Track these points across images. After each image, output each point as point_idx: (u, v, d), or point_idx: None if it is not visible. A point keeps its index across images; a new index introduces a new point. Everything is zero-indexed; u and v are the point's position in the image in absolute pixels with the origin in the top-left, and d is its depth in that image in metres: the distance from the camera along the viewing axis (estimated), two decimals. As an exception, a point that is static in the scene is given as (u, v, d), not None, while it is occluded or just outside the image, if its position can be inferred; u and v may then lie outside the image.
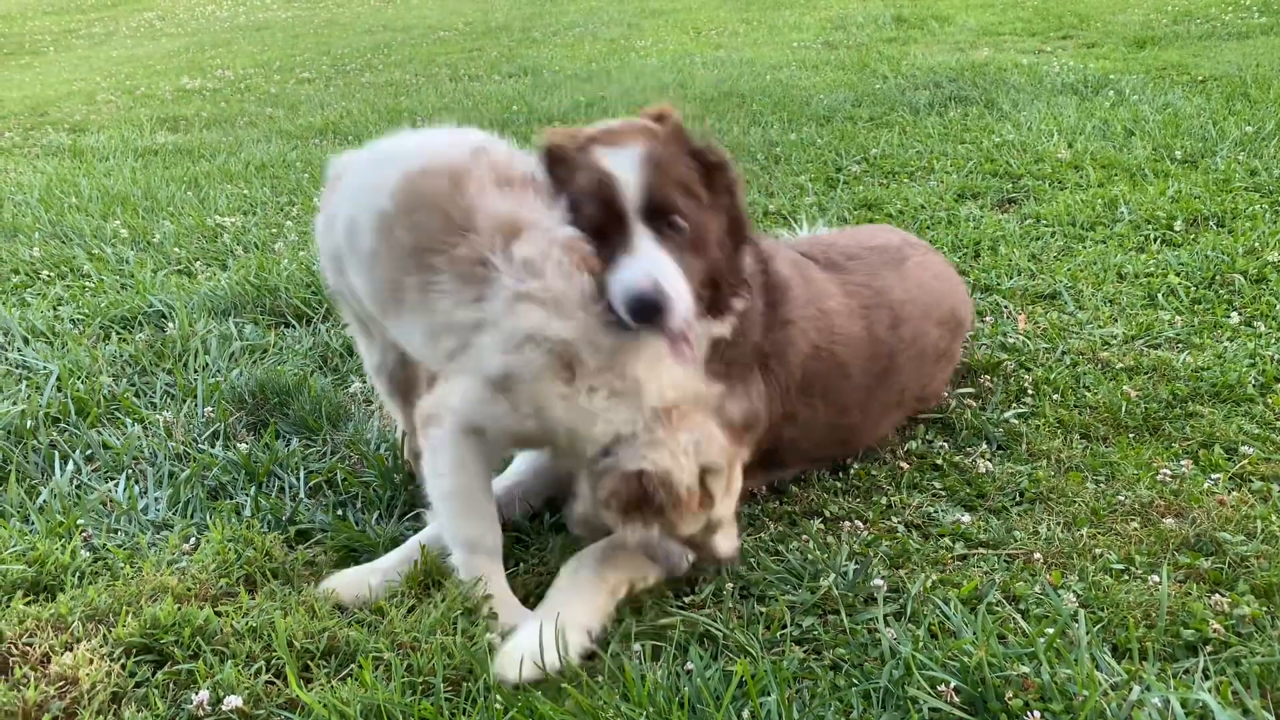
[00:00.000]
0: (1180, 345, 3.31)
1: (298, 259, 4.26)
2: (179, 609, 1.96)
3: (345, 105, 8.39)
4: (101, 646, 1.89)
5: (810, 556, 2.27)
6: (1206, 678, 1.88)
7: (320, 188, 5.53)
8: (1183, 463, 2.64)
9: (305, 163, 6.29)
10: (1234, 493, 2.50)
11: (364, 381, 3.31)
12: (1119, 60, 8.00)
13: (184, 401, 3.10)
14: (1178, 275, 3.80)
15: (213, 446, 2.84)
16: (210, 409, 3.01)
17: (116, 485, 2.64)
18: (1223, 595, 2.10)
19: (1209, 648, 1.95)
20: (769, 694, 1.80)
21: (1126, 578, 2.19)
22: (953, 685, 1.82)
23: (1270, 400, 2.91)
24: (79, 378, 3.23)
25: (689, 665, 1.91)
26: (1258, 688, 1.84)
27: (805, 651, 2.00)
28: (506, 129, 7.06)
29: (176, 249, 4.59)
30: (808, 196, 4.94)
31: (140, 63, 12.53)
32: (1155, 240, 4.19)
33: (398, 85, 9.41)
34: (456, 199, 2.03)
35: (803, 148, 5.83)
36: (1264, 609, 2.05)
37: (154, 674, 1.86)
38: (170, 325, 3.62)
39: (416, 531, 2.45)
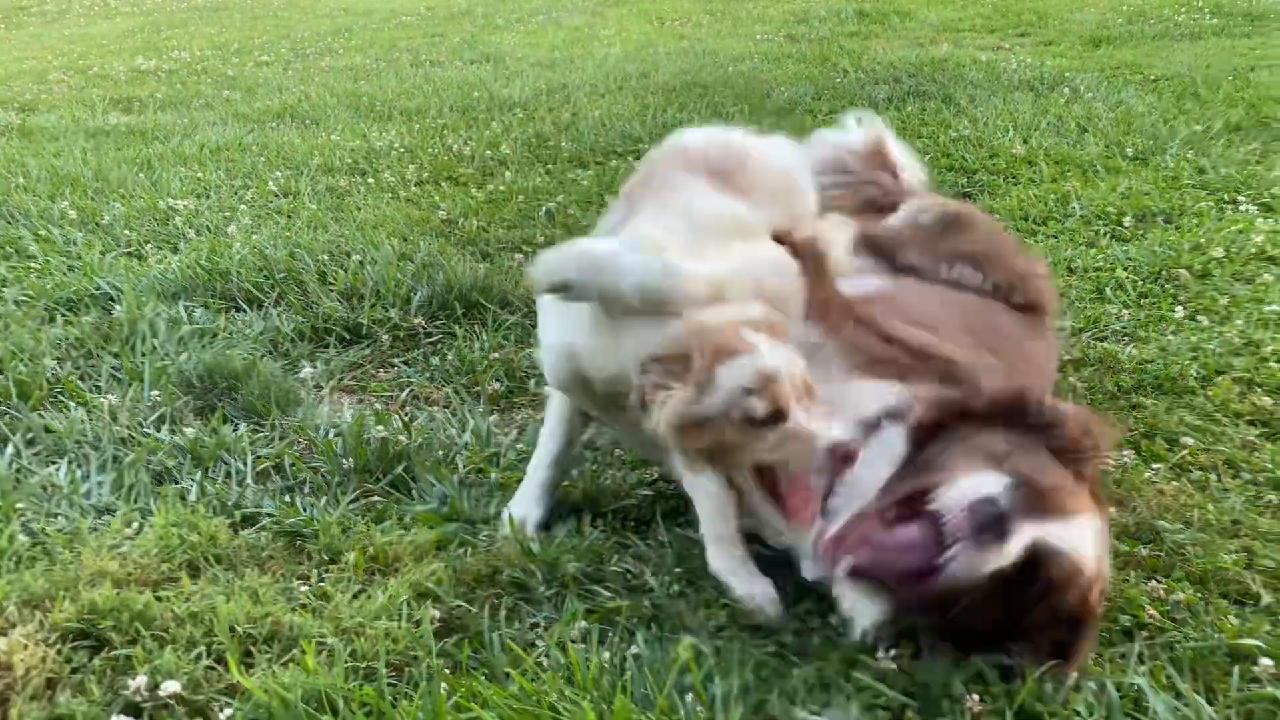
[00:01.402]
0: (1126, 338, 3.37)
1: (250, 242, 4.20)
2: (118, 594, 1.94)
3: (304, 89, 8.28)
4: (37, 632, 1.86)
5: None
6: (1141, 662, 1.91)
7: (275, 170, 5.50)
8: (1125, 453, 2.68)
9: (261, 146, 6.21)
10: (1174, 482, 2.55)
11: (315, 366, 3.28)
12: (1075, 58, 8.10)
13: (130, 385, 3.05)
14: (1126, 270, 3.86)
15: (158, 431, 2.79)
16: (157, 393, 2.96)
17: (58, 469, 2.60)
18: (1159, 582, 2.15)
19: (1145, 633, 1.99)
20: (713, 678, 1.81)
21: (1067, 565, 2.23)
22: (895, 668, 1.84)
23: (1211, 393, 2.97)
24: (21, 360, 3.16)
25: (634, 649, 1.91)
26: (1190, 672, 1.88)
27: (752, 636, 2.02)
28: (467, 115, 7.04)
29: (126, 231, 4.51)
30: (766, 187, 4.95)
31: (94, 42, 12.28)
32: (1105, 235, 4.25)
33: (358, 70, 9.30)
34: None
35: (763, 139, 5.85)
36: (1198, 595, 2.10)
37: (91, 660, 1.83)
38: (118, 308, 3.55)
39: (364, 516, 2.43)
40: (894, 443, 2.00)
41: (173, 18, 14.72)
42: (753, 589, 2.09)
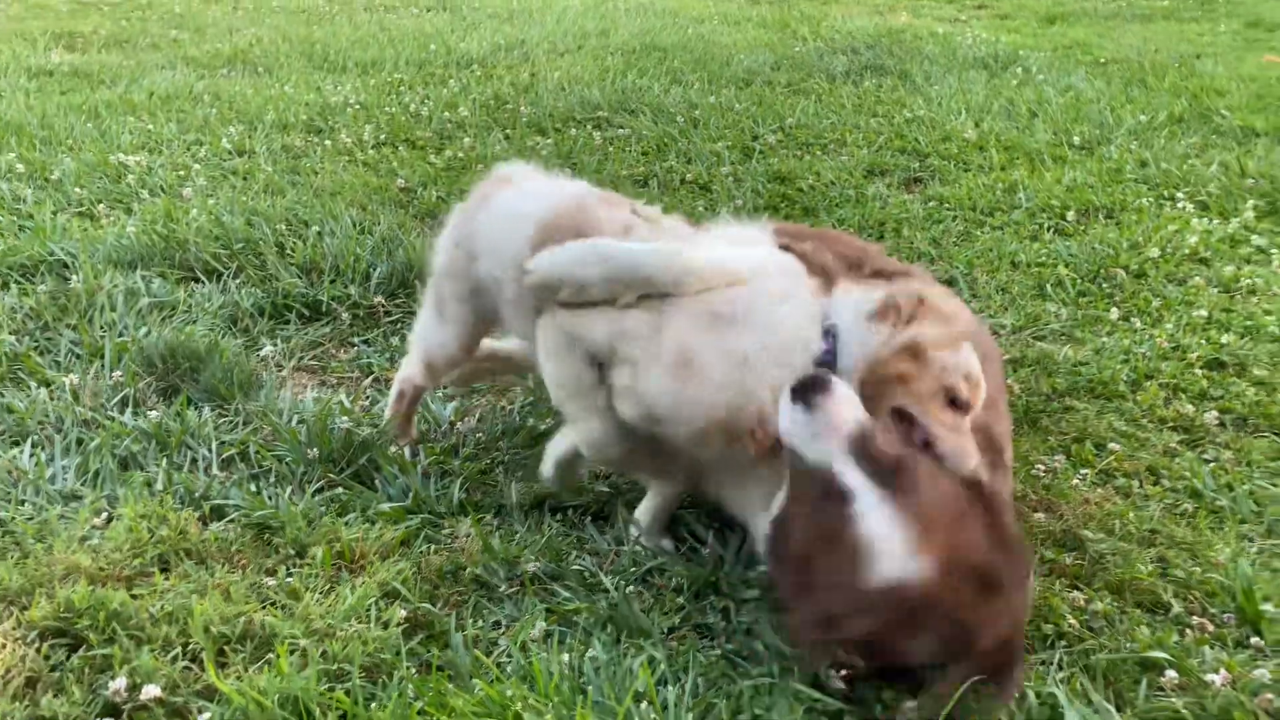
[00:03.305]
0: (1063, 338, 3.52)
1: (207, 207, 4.18)
2: (93, 591, 1.99)
3: (255, 32, 8.11)
4: (15, 629, 1.91)
5: (708, 547, 2.40)
6: (1061, 670, 2.07)
7: (229, 126, 5.42)
8: (1056, 457, 2.83)
9: (213, 96, 6.11)
10: (1099, 489, 2.71)
11: (275, 345, 3.31)
12: (1029, 35, 8.23)
13: (90, 362, 3.06)
14: (1067, 266, 4.01)
15: (122, 413, 2.82)
16: (119, 373, 2.98)
17: (22, 452, 2.62)
18: (1080, 591, 2.30)
19: (1064, 642, 2.14)
20: (666, 683, 1.94)
21: (997, 571, 2.38)
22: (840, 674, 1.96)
23: (1140, 398, 3.13)
24: (-22, 332, 3.15)
25: (592, 653, 2.02)
26: (1103, 680, 2.04)
27: (702, 639, 2.14)
28: (424, 70, 6.97)
29: (77, 189, 4.44)
30: (724, 166, 5.02)
31: (31, -34, 11.80)
32: (1049, 229, 4.40)
33: (310, 12, 9.12)
34: (581, 216, 2.35)
35: (721, 112, 5.90)
36: (1115, 605, 2.26)
37: (68, 659, 1.89)
38: (74, 277, 3.53)
39: (329, 507, 2.50)
40: None
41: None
42: (659, 542, 2.42)
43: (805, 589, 1.92)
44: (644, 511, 2.47)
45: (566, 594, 2.24)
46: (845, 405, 1.96)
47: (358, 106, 5.98)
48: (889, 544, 1.82)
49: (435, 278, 2.65)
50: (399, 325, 3.50)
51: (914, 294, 2.16)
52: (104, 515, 2.35)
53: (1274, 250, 4.10)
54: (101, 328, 3.26)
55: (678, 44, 7.66)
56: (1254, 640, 2.14)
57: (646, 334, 2.15)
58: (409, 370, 2.75)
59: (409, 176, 4.76)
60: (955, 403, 2.09)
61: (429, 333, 2.68)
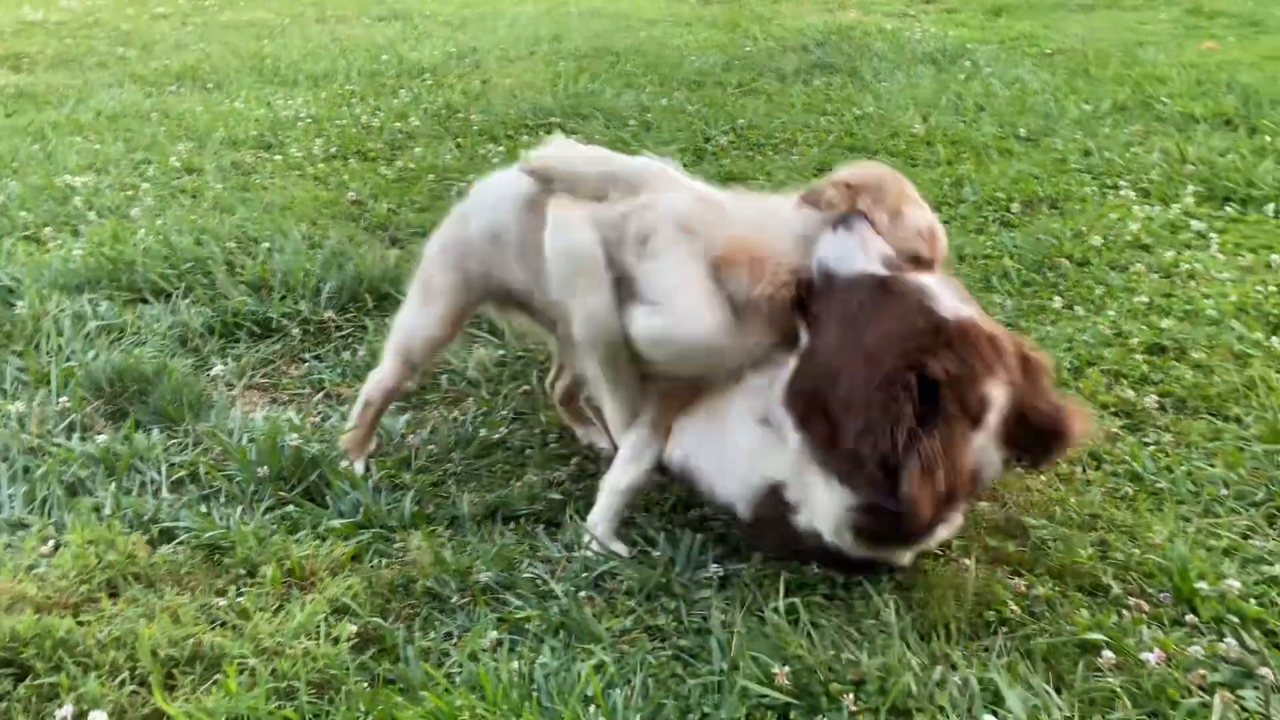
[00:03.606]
0: (1008, 328, 3.57)
1: (155, 228, 4.16)
2: (39, 619, 1.99)
3: (204, 47, 8.06)
4: (-41, 662, 1.91)
5: (659, 549, 2.42)
6: (1002, 656, 2.11)
7: (177, 144, 5.40)
8: (1000, 446, 2.88)
9: (161, 114, 6.07)
10: (1041, 476, 2.75)
11: (226, 363, 3.31)
12: (977, 28, 8.33)
13: (37, 389, 3.04)
14: (1012, 258, 4.07)
15: (69, 439, 2.81)
16: (66, 398, 2.96)
17: (-33, 482, 2.60)
18: (1022, 577, 2.35)
19: (1006, 628, 2.19)
20: (615, 686, 1.96)
21: (942, 559, 2.43)
22: (786, 670, 1.99)
23: (1082, 384, 3.19)
24: (-78, 362, 3.12)
25: (542, 659, 2.04)
26: (1043, 663, 2.09)
27: (652, 640, 2.16)
28: (374, 81, 6.95)
29: (23, 213, 4.41)
30: (675, 169, 5.05)
31: (-26, -14, 11.65)
32: (994, 222, 4.47)
33: (260, 26, 9.07)
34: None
35: (673, 115, 5.94)
36: (1057, 590, 2.31)
37: (15, 688, 1.89)
38: (19, 303, 3.50)
39: (280, 525, 2.50)
40: None
41: (60, -41, 14.00)
42: (612, 545, 2.42)
43: (863, 363, 2.10)
44: (597, 514, 2.48)
45: (518, 602, 2.26)
46: (874, 236, 2.30)
47: (308, 120, 5.96)
48: (944, 294, 2.16)
49: (424, 261, 2.79)
50: (349, 340, 3.51)
51: (838, 181, 2.40)
52: (51, 543, 2.34)
53: (1212, 235, 4.19)
54: (48, 353, 3.24)
55: (630, 47, 7.69)
56: (1189, 618, 2.19)
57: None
58: (380, 375, 2.81)
59: (359, 189, 4.76)
60: (919, 262, 2.36)
61: (409, 321, 2.80)
